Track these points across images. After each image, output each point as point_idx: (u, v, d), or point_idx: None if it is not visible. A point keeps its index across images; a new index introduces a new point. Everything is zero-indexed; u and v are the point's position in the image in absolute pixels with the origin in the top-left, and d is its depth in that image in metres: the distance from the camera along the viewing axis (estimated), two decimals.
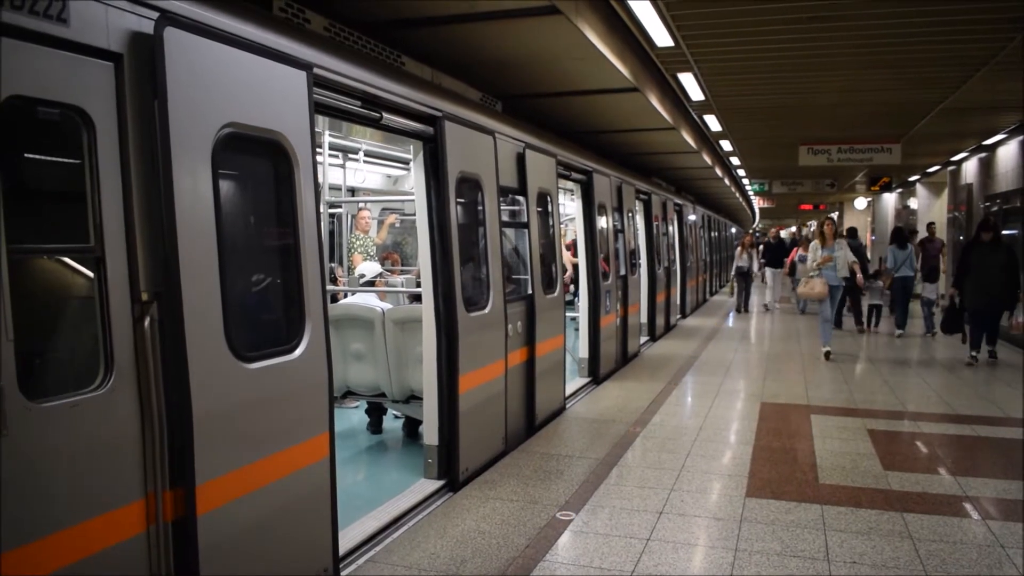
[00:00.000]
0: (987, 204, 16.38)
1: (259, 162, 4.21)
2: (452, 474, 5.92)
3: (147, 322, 3.16)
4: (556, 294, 8.39)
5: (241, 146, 3.88)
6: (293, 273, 4.14)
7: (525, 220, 7.67)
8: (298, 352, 4.03)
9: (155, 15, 3.25)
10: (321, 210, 6.02)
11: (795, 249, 19.92)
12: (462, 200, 6.22)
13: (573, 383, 9.56)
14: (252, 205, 4.41)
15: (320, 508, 4.24)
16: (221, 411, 3.51)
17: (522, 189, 7.60)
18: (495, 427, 6.68)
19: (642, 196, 13.56)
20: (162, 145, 3.24)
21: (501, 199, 8.23)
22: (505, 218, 8.53)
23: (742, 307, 19.71)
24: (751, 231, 24.82)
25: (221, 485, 3.50)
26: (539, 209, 7.98)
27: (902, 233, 15.09)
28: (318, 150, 6.42)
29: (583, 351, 10.11)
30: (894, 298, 14.87)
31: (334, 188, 9.77)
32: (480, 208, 6.58)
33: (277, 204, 4.28)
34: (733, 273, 20.96)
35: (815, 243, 12.75)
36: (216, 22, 3.62)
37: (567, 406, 8.65)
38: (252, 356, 3.72)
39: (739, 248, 20.49)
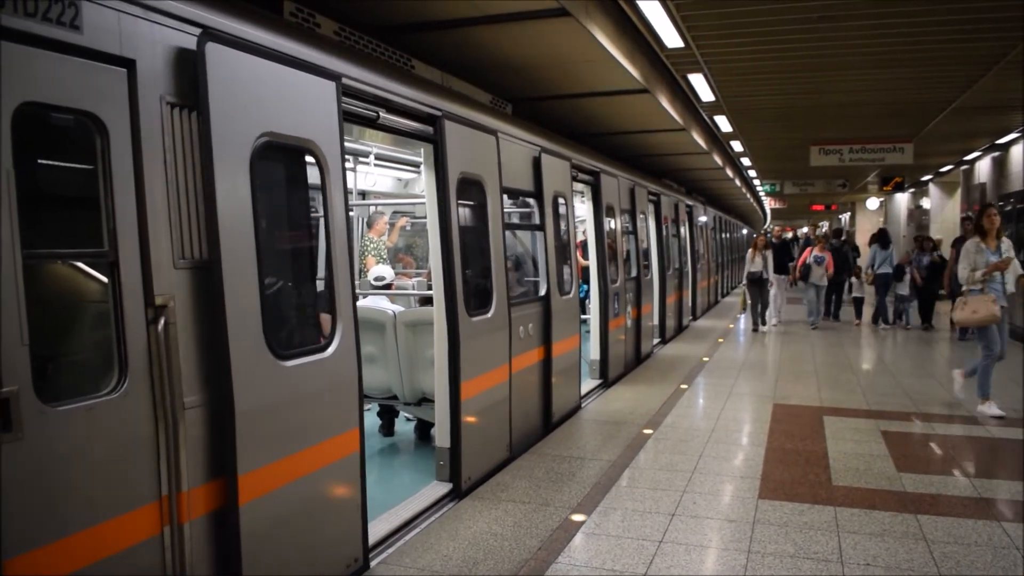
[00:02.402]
0: (1001, 203, 16.30)
1: (292, 169, 4.37)
2: (455, 482, 5.84)
3: (161, 325, 3.18)
4: (571, 295, 8.48)
5: (276, 154, 4.07)
6: (325, 275, 4.34)
7: (541, 223, 7.72)
8: (330, 351, 4.21)
9: (169, 20, 3.29)
10: (351, 214, 6.23)
11: (808, 249, 16.73)
12: (463, 202, 6.14)
13: (585, 384, 9.55)
14: (286, 211, 4.59)
15: (351, 500, 4.44)
16: (260, 406, 3.69)
17: (538, 192, 7.68)
18: (499, 434, 6.56)
19: (651, 197, 13.54)
20: (204, 155, 3.42)
21: (512, 201, 8.26)
22: (520, 220, 8.55)
23: (758, 323, 15.99)
24: (763, 231, 20.89)
25: (261, 476, 3.69)
26: (554, 212, 8.02)
27: (886, 234, 16.36)
28: None
29: (594, 353, 10.10)
30: (876, 293, 16.07)
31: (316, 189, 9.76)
32: (483, 210, 6.46)
33: (309, 209, 4.47)
34: (744, 281, 16.81)
35: (973, 242, 8.32)
36: (251, 35, 3.81)
37: (582, 405, 8.72)
38: (288, 354, 3.91)
39: (751, 251, 16.22)
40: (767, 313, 16.21)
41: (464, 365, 5.80)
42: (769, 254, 15.94)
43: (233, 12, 3.78)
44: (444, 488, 5.81)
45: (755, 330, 15.72)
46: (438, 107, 5.64)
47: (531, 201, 7.84)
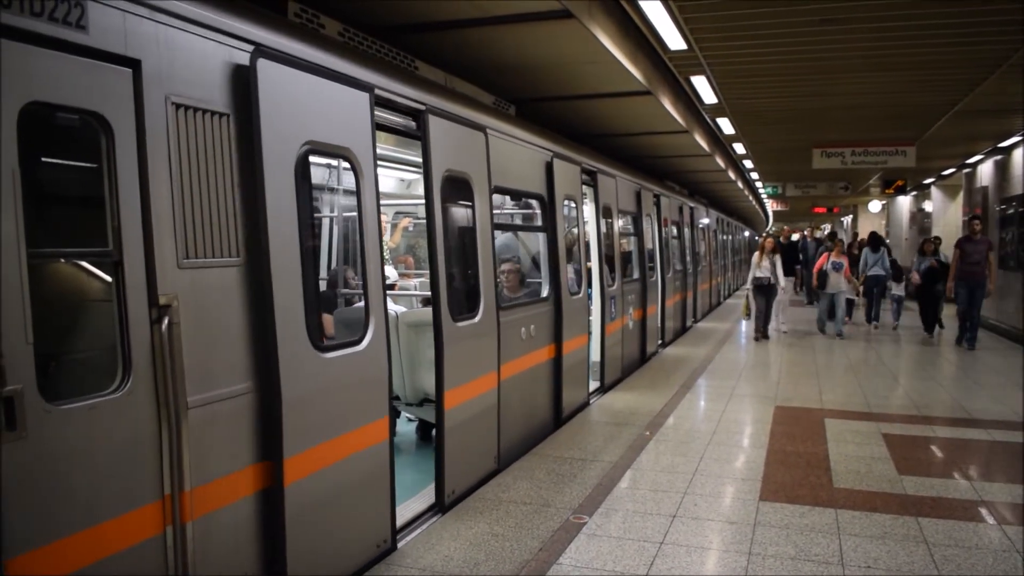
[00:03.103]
0: (1003, 207, 16.30)
1: (330, 174, 4.91)
2: (438, 497, 5.55)
3: (164, 325, 3.18)
4: (581, 295, 8.69)
5: (316, 160, 4.48)
6: (358, 273, 4.66)
7: (553, 224, 7.82)
8: (363, 344, 4.52)
9: (175, 21, 3.32)
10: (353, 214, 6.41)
11: (824, 255, 15.55)
12: (449, 202, 5.95)
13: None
14: (324, 213, 4.77)
15: (381, 484, 4.71)
16: (302, 393, 3.96)
17: (550, 196, 7.78)
18: (485, 445, 6.26)
19: (652, 199, 13.51)
20: (256, 163, 3.69)
21: (515, 203, 8.28)
22: (530, 222, 8.61)
23: (760, 331, 14.75)
24: (767, 233, 19.07)
25: (303, 459, 3.97)
26: (565, 214, 8.20)
27: (876, 237, 16.67)
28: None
29: (596, 355, 10.09)
30: (867, 294, 16.47)
31: (348, 192, 9.83)
32: (471, 210, 6.17)
33: (345, 212, 4.63)
34: (749, 286, 15.15)
35: None
36: (296, 50, 4.08)
37: (590, 402, 8.86)
38: (326, 347, 4.24)
39: (757, 254, 14.79)
40: (771, 324, 14.94)
41: (448, 373, 5.53)
42: (778, 259, 14.65)
43: (278, 28, 4.07)
44: (428, 500, 5.61)
45: (757, 339, 14.57)
46: (422, 101, 5.39)
47: (533, 203, 7.84)
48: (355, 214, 4.75)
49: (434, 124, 5.48)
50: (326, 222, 7.83)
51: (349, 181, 9.24)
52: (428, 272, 6.18)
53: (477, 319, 6.04)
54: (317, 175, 6.68)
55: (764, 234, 15.28)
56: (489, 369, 6.28)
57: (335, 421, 4.26)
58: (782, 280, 14.78)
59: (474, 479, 6.04)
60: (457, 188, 6.02)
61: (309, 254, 4.33)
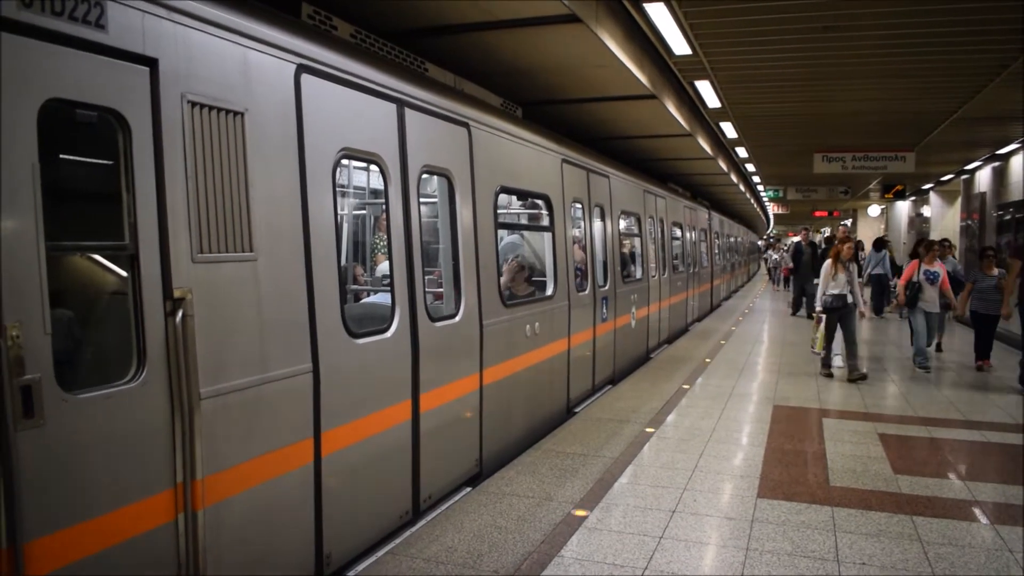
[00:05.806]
0: (1000, 213, 16.38)
1: (361, 178, 5.38)
2: (414, 502, 5.29)
3: (178, 318, 3.25)
4: (587, 292, 8.97)
5: (350, 164, 4.89)
6: (389, 268, 5.09)
7: (563, 225, 8.05)
8: (390, 332, 4.91)
9: (193, 22, 3.41)
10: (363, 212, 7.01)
11: (913, 263, 11.63)
12: (426, 198, 5.85)
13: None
14: (356, 214, 5.47)
15: (405, 460, 5.10)
16: (338, 374, 4.34)
17: (559, 198, 8.00)
18: (465, 450, 6.03)
19: (650, 199, 13.43)
20: (300, 170, 4.07)
21: (521, 203, 8.36)
22: (536, 222, 8.79)
23: (856, 367, 10.50)
24: (845, 230, 15.19)
25: (339, 434, 4.37)
26: (574, 216, 8.54)
27: (879, 240, 18.68)
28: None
29: None
30: (872, 291, 17.94)
31: (358, 190, 9.92)
32: (451, 207, 5.88)
33: (373, 212, 5.56)
34: (819, 309, 10.59)
35: None
36: (337, 62, 4.42)
37: (593, 398, 9.15)
38: (359, 334, 4.59)
39: (828, 263, 10.61)
40: (856, 355, 10.64)
41: (423, 376, 5.27)
42: (855, 269, 10.89)
43: (322, 42, 4.37)
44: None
45: (852, 379, 10.39)
46: (399, 90, 5.09)
47: (550, 204, 7.93)
48: (402, 213, 5.10)
49: (411, 118, 5.20)
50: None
51: (358, 177, 9.35)
52: (436, 271, 6.25)
53: (458, 319, 5.83)
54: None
55: (847, 233, 12.12)
56: (471, 371, 6.03)
57: (366, 400, 4.63)
58: (860, 299, 10.79)
59: (453, 484, 5.87)
60: (439, 185, 5.89)
61: (350, 250, 4.70)
